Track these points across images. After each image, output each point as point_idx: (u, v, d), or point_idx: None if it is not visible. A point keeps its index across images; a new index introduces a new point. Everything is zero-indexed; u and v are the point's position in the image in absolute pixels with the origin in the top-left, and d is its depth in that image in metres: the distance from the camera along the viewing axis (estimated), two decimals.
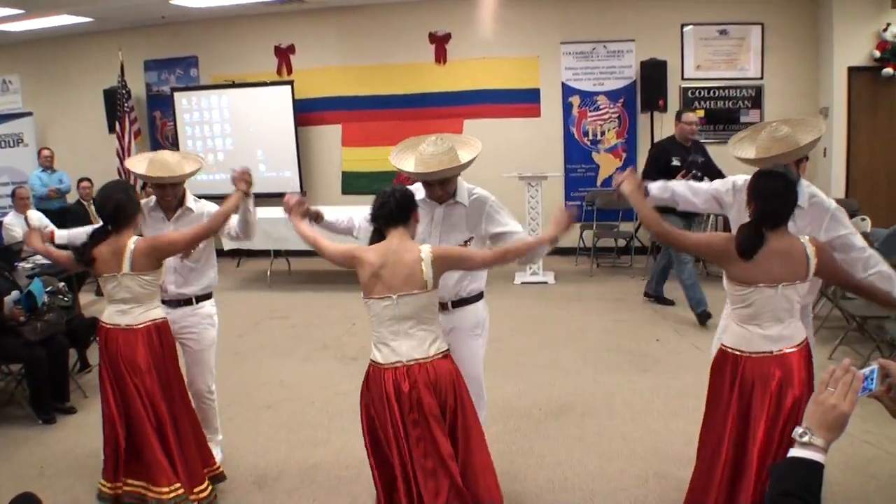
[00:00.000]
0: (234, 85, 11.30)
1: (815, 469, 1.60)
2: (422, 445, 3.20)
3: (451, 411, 3.27)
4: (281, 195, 4.08)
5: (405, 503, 3.22)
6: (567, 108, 10.83)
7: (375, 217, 3.39)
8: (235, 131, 11.26)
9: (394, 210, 3.33)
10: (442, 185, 3.71)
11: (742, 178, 3.67)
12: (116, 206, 3.83)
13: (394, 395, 3.21)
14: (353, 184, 11.37)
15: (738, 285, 3.22)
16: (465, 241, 3.80)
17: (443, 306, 3.70)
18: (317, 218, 3.96)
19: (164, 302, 4.18)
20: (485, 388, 3.98)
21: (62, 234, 4.79)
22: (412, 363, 3.23)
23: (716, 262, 3.39)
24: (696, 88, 10.50)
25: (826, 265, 3.19)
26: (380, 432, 3.31)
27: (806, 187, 3.60)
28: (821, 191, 3.68)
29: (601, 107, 10.73)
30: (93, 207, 9.98)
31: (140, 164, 4.27)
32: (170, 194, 4.25)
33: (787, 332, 3.20)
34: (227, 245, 9.28)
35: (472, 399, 3.40)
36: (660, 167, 7.23)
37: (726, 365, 3.33)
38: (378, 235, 3.40)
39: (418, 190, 3.81)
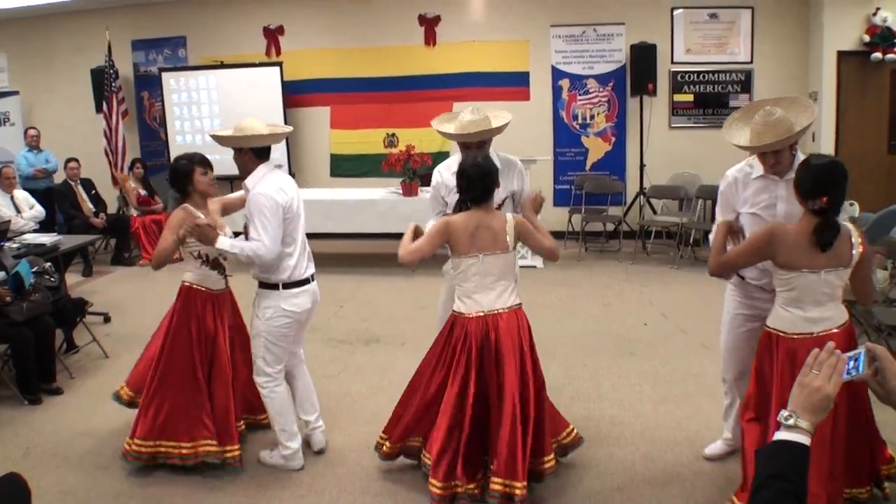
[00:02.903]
0: (222, 66, 11.21)
1: (801, 451, 1.61)
2: None
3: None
4: None
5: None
6: (556, 91, 10.80)
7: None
8: (223, 112, 11.16)
9: (478, 194, 3.78)
10: (479, 148, 4.13)
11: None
12: None
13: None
14: (342, 166, 11.34)
15: (784, 270, 3.35)
16: (503, 199, 4.24)
17: None
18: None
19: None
20: None
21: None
22: (492, 313, 3.78)
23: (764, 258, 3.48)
24: (686, 72, 10.49)
25: (865, 256, 3.35)
26: None
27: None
28: None
29: (591, 90, 10.71)
30: (80, 188, 9.94)
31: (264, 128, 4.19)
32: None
33: (827, 314, 3.36)
34: None
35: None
36: None
37: (770, 345, 3.48)
38: (464, 206, 3.84)
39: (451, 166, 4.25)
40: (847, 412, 3.36)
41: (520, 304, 3.89)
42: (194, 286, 4.32)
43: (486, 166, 3.77)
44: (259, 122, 4.14)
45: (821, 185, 3.21)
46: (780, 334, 3.42)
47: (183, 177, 4.26)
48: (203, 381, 4.23)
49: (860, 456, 3.50)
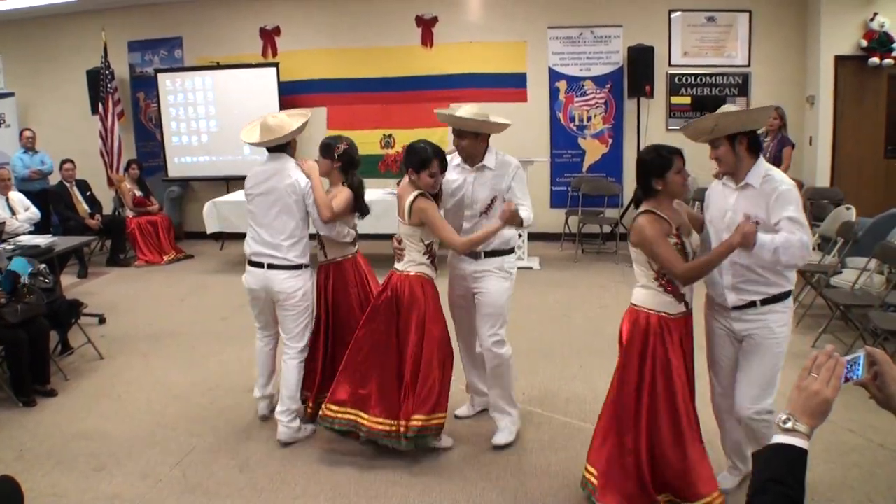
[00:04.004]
0: (218, 66, 11.20)
1: (799, 455, 1.59)
2: None
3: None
4: None
5: None
6: (554, 93, 10.80)
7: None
8: (220, 113, 11.17)
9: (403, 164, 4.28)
10: (476, 139, 4.34)
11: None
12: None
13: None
14: None
15: None
16: (492, 200, 4.38)
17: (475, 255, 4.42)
18: None
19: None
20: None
21: None
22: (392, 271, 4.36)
23: None
24: (683, 75, 10.50)
25: (638, 243, 3.61)
26: None
27: (766, 169, 3.51)
28: (787, 177, 3.52)
29: (588, 92, 10.71)
30: (75, 189, 9.92)
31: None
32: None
33: (634, 291, 3.75)
34: (211, 228, 9.24)
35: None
36: None
37: None
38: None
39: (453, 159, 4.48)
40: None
41: (418, 273, 4.26)
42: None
43: (415, 146, 4.20)
44: (274, 120, 4.65)
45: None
46: None
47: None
48: (321, 342, 4.86)
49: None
